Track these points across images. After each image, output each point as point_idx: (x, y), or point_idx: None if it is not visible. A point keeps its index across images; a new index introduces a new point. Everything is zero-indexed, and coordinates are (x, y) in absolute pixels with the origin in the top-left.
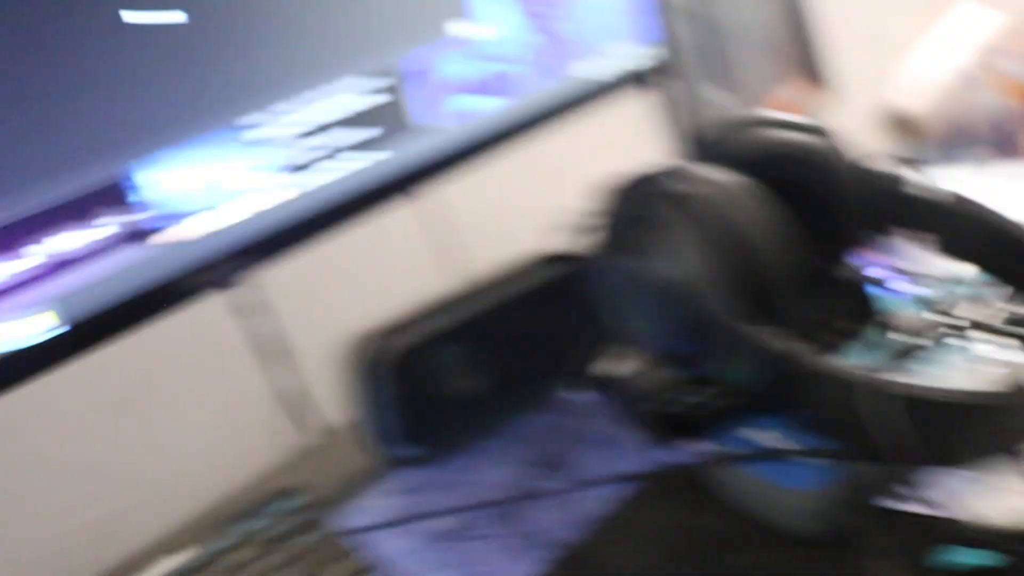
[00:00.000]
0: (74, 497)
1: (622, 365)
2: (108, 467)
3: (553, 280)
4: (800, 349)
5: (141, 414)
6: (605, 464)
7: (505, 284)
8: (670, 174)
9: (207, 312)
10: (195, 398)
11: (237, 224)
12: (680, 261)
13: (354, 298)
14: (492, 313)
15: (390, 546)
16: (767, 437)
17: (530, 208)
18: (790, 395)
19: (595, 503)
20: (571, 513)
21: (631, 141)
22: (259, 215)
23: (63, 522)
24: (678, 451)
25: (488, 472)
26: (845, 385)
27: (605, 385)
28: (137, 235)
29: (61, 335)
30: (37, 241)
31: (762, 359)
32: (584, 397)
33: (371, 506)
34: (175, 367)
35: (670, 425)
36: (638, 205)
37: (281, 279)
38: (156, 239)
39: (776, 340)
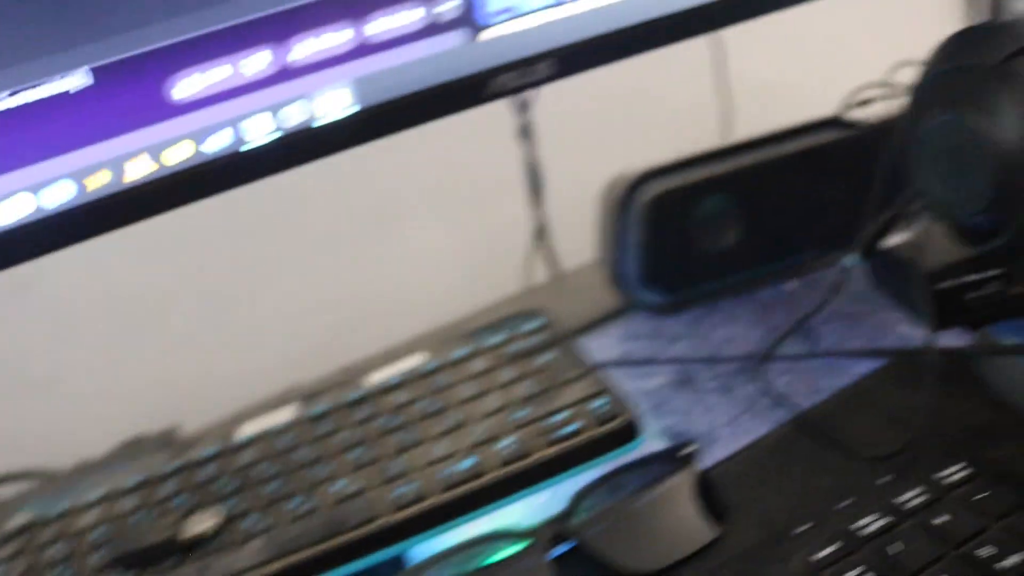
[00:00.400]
0: (313, 301)
1: (907, 237)
2: (350, 276)
3: (835, 143)
4: None
5: (390, 229)
6: (856, 342)
7: (782, 142)
8: None
9: (479, 132)
10: (446, 218)
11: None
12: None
13: (624, 137)
14: (760, 169)
15: (625, 385)
16: None
17: (827, 76)
18: None
19: (838, 376)
20: (809, 383)
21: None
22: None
23: (301, 323)
24: (949, 336)
25: (730, 330)
26: None
27: (880, 258)
28: (451, 24)
29: (352, 116)
30: (356, 17)
31: None
32: (844, 272)
33: (608, 345)
34: (433, 185)
35: (954, 308)
36: (987, 54)
37: (555, 104)
38: (466, 32)
39: None
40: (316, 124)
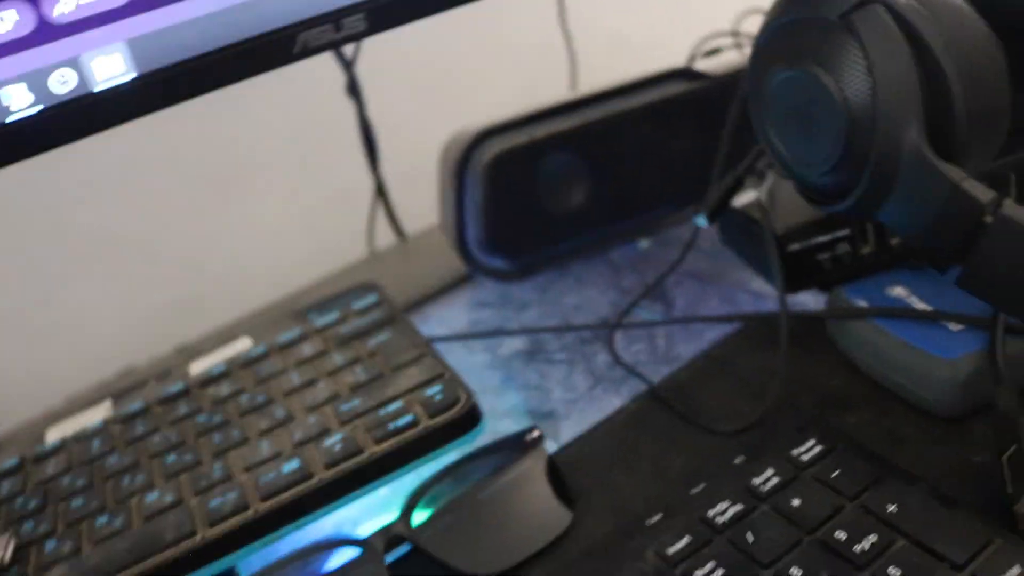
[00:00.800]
0: (151, 276)
1: (755, 196)
2: (186, 250)
3: (683, 95)
4: (1003, 199)
5: (226, 198)
6: (708, 302)
7: (628, 95)
8: None
9: (307, 96)
10: (281, 184)
11: None
12: (873, 76)
13: (464, 93)
14: (607, 124)
15: (461, 359)
16: (909, 294)
17: (674, 24)
18: (966, 249)
19: (693, 342)
20: (662, 349)
21: None
22: None
23: (139, 299)
24: (797, 298)
25: (581, 295)
26: None
27: (730, 217)
28: None
29: (132, 83)
30: None
31: (952, 202)
32: (695, 229)
33: (446, 316)
34: (268, 154)
35: (803, 268)
36: (827, 6)
37: (386, 63)
38: None
39: (973, 183)
40: (90, 93)
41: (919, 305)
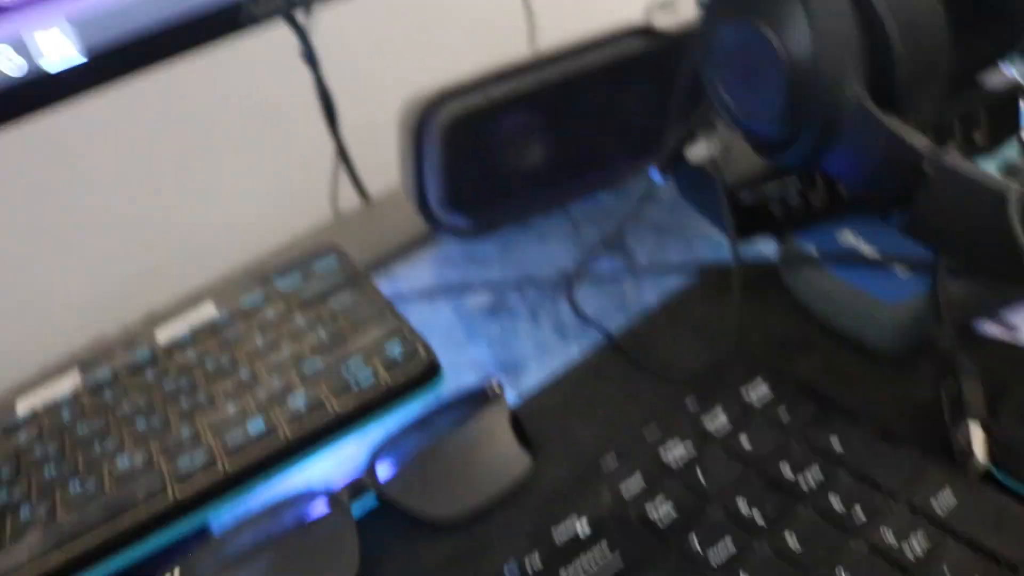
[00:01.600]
0: (115, 246)
1: (707, 149)
2: (152, 218)
3: (636, 53)
4: (944, 148)
5: (191, 165)
6: (667, 253)
7: (584, 54)
8: None
9: (266, 63)
10: (244, 152)
11: None
12: (814, 29)
13: (420, 56)
14: (564, 84)
15: (426, 316)
16: (857, 241)
17: None
18: (908, 197)
19: (650, 292)
20: (622, 300)
21: None
22: None
23: (106, 270)
24: (754, 247)
25: (542, 250)
26: (996, 195)
27: (684, 170)
28: None
29: (80, 62)
30: None
31: (894, 151)
32: (652, 182)
33: (411, 274)
34: (230, 122)
35: (754, 218)
36: None
37: (343, 25)
38: None
39: (913, 133)
40: (37, 70)
41: (867, 251)
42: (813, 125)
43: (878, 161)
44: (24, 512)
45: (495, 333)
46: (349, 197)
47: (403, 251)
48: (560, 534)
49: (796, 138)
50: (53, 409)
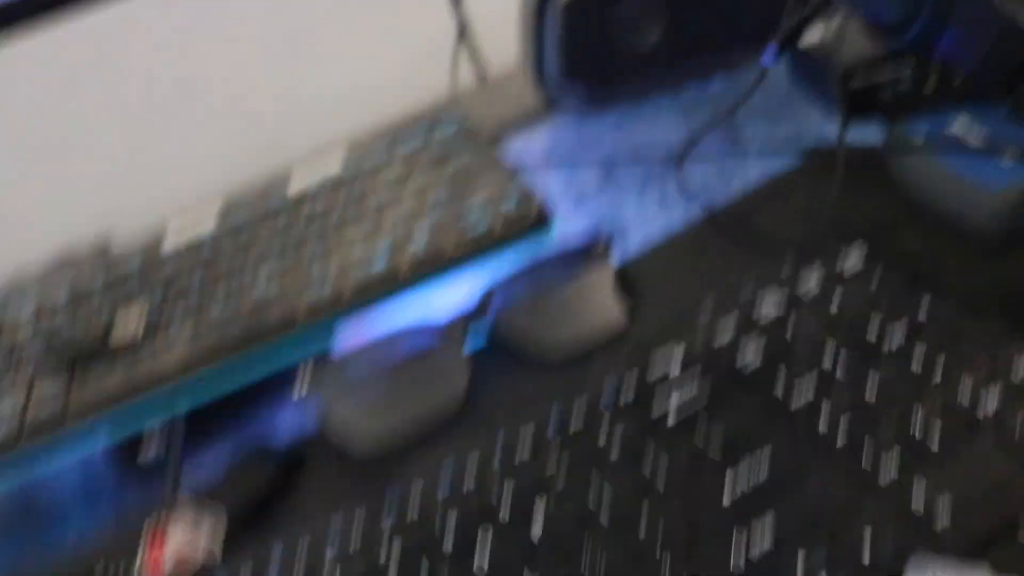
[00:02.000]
0: (243, 108)
1: (823, 35)
2: (279, 83)
3: None
4: None
5: (316, 36)
6: (777, 137)
7: None
8: None
9: None
10: (370, 23)
11: None
12: None
13: None
14: None
15: (543, 185)
16: (964, 129)
17: None
18: (1020, 78)
19: (755, 173)
20: (728, 178)
21: None
22: None
23: (232, 128)
24: (860, 134)
25: (648, 132)
26: None
27: (798, 54)
28: None
29: None
30: None
31: (1007, 32)
32: (764, 70)
33: (533, 146)
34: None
35: (865, 102)
36: None
37: None
38: None
39: None
40: None
41: (974, 140)
42: (929, 7)
43: (991, 41)
44: (173, 329)
45: (602, 204)
46: (466, 78)
47: (518, 126)
48: (652, 373)
49: (914, 18)
50: (197, 246)
